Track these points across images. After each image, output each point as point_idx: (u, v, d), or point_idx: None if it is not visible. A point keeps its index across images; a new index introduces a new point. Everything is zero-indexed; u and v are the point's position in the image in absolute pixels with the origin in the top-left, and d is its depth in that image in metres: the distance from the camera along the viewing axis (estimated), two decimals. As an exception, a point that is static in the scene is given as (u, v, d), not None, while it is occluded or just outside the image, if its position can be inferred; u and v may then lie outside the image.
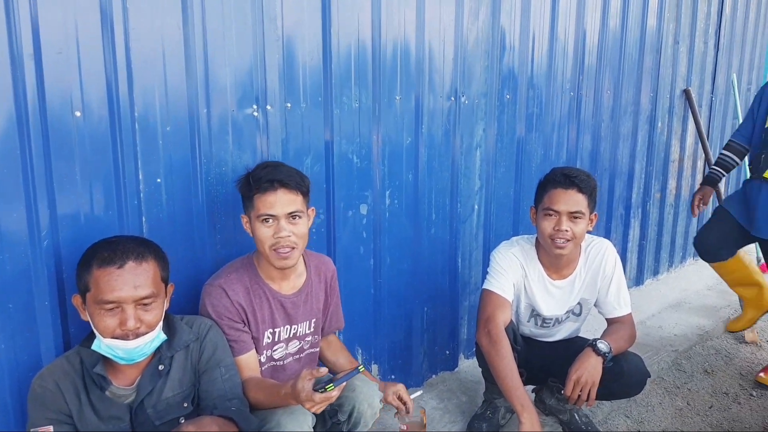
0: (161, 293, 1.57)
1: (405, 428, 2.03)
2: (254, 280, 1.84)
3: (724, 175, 3.29)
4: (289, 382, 1.58)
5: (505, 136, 2.93)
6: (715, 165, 3.28)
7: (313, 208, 1.86)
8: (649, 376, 2.25)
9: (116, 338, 1.50)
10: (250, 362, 1.80)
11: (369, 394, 1.86)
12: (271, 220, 1.74)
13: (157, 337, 1.56)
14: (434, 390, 2.78)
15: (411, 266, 2.64)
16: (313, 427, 1.72)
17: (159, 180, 1.81)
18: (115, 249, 1.51)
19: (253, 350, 1.82)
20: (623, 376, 2.16)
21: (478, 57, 2.70)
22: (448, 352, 2.91)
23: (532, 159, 3.12)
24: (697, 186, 4.44)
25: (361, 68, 2.26)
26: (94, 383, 1.57)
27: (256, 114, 1.98)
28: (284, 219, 1.75)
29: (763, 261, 4.64)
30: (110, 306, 1.49)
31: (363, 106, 2.30)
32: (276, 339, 1.90)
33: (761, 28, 4.97)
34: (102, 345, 1.51)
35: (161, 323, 1.58)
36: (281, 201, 1.74)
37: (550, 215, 2.15)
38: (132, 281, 1.49)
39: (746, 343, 3.53)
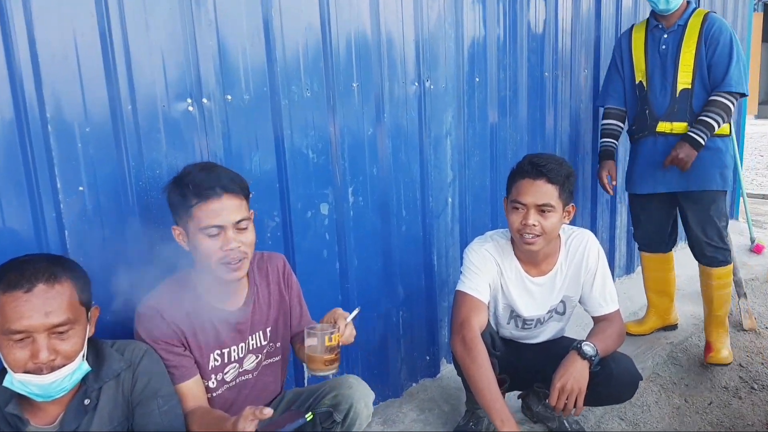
0: (81, 319, 1.37)
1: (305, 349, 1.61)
2: (194, 298, 1.63)
3: (617, 145, 3.13)
4: (231, 419, 1.39)
5: (477, 122, 2.74)
6: (604, 137, 3.11)
7: (252, 210, 1.65)
8: (641, 379, 2.07)
9: (29, 373, 1.30)
10: (193, 390, 1.60)
11: (365, 393, 1.72)
12: (217, 232, 1.54)
13: (78, 368, 1.36)
14: (414, 400, 2.58)
15: (382, 267, 2.44)
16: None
17: (81, 188, 1.60)
18: (22, 270, 1.31)
19: (197, 376, 1.62)
20: (612, 381, 1.97)
21: (441, 37, 2.50)
22: (428, 358, 2.72)
23: (508, 146, 2.92)
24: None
25: (310, 53, 2.06)
26: (9, 424, 1.36)
27: (191, 109, 1.77)
28: (232, 229, 1.55)
29: (757, 241, 4.48)
30: (19, 336, 1.29)
31: (316, 96, 2.09)
32: (227, 360, 1.70)
33: (742, 2, 4.80)
34: (14, 381, 1.31)
35: (83, 352, 1.38)
36: (227, 209, 1.54)
37: (517, 208, 1.96)
38: (42, 307, 1.29)
39: (744, 330, 3.35)
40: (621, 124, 3.09)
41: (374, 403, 2.47)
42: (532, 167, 1.95)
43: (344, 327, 1.57)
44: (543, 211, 1.94)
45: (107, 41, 1.60)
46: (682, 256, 4.32)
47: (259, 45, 1.92)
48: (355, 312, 1.63)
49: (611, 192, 3.16)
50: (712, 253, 2.89)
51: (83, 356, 1.37)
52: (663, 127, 2.84)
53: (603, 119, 3.13)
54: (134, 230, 1.69)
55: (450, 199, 2.69)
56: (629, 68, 2.97)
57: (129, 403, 1.47)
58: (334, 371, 1.56)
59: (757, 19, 14.46)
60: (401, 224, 2.49)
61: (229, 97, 1.85)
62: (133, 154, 1.67)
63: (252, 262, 1.75)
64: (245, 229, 1.59)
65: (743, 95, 2.78)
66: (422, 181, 2.54)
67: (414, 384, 2.68)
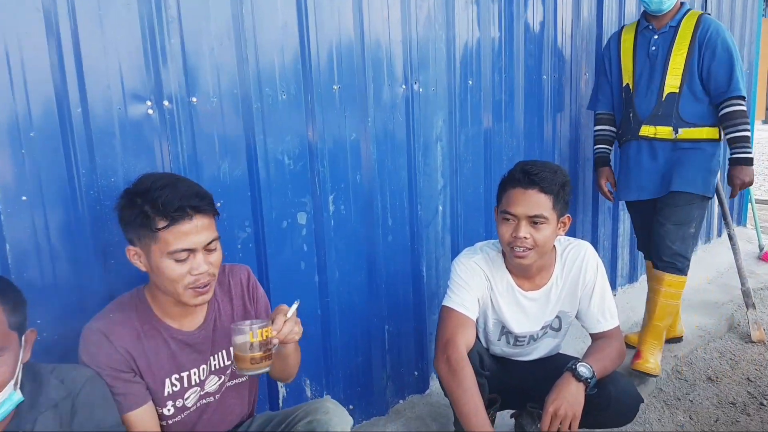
0: (11, 344, 1.23)
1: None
2: (146, 320, 1.49)
3: (611, 150, 3.04)
4: None
5: (470, 127, 2.60)
6: (598, 143, 3.03)
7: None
8: (642, 401, 1.92)
9: (-48, 404, 1.17)
10: (143, 419, 1.46)
11: (343, 419, 1.58)
12: (186, 256, 1.40)
13: (8, 398, 1.23)
14: (401, 418, 2.44)
15: (366, 280, 2.30)
16: None
17: (24, 198, 1.47)
18: None
19: (148, 404, 1.48)
20: (611, 404, 1.82)
21: (431, 38, 2.36)
22: (416, 374, 2.57)
23: (503, 152, 2.78)
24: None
25: (286, 53, 1.93)
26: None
27: (150, 112, 1.64)
28: (202, 251, 1.42)
29: (766, 249, 4.32)
30: (-60, 363, 1.16)
31: (292, 99, 1.96)
32: (186, 384, 1.56)
33: (751, 1, 4.64)
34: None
35: (15, 380, 1.24)
36: (198, 231, 1.40)
37: (508, 219, 1.82)
38: None
39: (753, 342, 3.20)
40: (614, 129, 2.99)
41: (358, 422, 2.38)
42: (524, 175, 1.81)
43: (281, 323, 1.43)
44: (535, 223, 1.79)
45: (55, 38, 1.47)
46: (690, 265, 4.18)
47: (228, 44, 1.79)
48: (294, 305, 1.48)
49: (612, 199, 3.05)
50: (669, 258, 2.75)
51: (15, 384, 1.24)
52: (646, 131, 2.75)
53: (595, 125, 3.04)
54: (84, 244, 1.56)
55: (441, 208, 2.55)
56: (617, 71, 2.87)
57: (69, 435, 1.33)
58: (263, 370, 1.41)
59: (766, 24, 14.30)
60: (387, 234, 2.35)
61: (195, 99, 1.72)
62: (83, 161, 1.54)
63: None
64: (214, 249, 1.46)
65: (745, 98, 2.68)
66: (410, 188, 2.40)
67: (401, 401, 2.53)
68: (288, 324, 1.45)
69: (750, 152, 2.68)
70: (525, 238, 1.78)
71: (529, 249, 1.80)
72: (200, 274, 1.42)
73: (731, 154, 2.71)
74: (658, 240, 2.76)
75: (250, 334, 1.38)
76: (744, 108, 2.64)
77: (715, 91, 2.65)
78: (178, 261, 1.40)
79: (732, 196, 2.81)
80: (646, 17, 2.78)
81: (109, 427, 1.37)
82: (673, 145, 2.73)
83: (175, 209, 1.37)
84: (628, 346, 2.88)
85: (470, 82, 2.55)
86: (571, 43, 3.13)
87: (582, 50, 3.21)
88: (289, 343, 1.51)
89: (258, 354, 1.39)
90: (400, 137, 2.32)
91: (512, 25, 2.76)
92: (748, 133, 2.66)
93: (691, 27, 2.66)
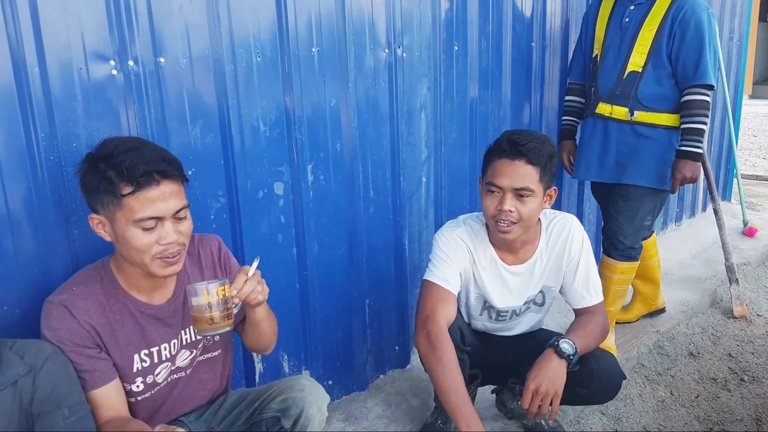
0: None
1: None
2: (112, 293, 1.41)
3: (578, 122, 2.84)
4: None
5: (456, 95, 2.51)
6: (565, 115, 2.87)
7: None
8: (624, 378, 1.88)
9: None
10: (109, 397, 1.39)
11: (319, 396, 1.53)
12: (153, 224, 1.32)
13: None
14: (381, 393, 2.40)
15: (346, 253, 2.23)
16: None
17: (-22, 164, 1.37)
18: None
19: (115, 381, 1.41)
20: (593, 381, 1.79)
21: (416, 0, 2.26)
22: (397, 348, 2.53)
23: (489, 122, 2.70)
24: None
25: (262, 12, 1.82)
26: None
27: (114, 73, 1.54)
28: (170, 220, 1.34)
29: (750, 224, 4.31)
30: None
31: (268, 61, 1.86)
32: (156, 359, 1.49)
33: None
34: None
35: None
36: (167, 198, 1.32)
37: (493, 191, 1.75)
38: None
39: (735, 318, 3.19)
40: (583, 101, 2.80)
41: (337, 397, 2.33)
42: (511, 146, 1.73)
43: (242, 282, 1.37)
44: (521, 196, 1.73)
45: (8, -9, 1.36)
46: (673, 240, 4.17)
47: (198, 1, 1.68)
48: (254, 263, 1.42)
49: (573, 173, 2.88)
50: (623, 251, 2.66)
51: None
52: (602, 108, 2.57)
53: (566, 95, 2.87)
54: (45, 212, 1.47)
55: (424, 179, 2.47)
56: (591, 40, 2.68)
57: (28, 415, 1.26)
58: (222, 330, 1.35)
59: (756, -4, 14.20)
60: (369, 206, 2.27)
61: (162, 60, 1.62)
62: (42, 125, 1.44)
63: None
64: (184, 218, 1.38)
65: (712, 88, 2.46)
66: (393, 158, 2.32)
67: (382, 376, 2.49)
68: (249, 283, 1.38)
69: (700, 147, 2.45)
70: (510, 211, 1.71)
71: (514, 223, 1.73)
72: (169, 243, 1.34)
73: (680, 145, 2.48)
74: (611, 233, 2.66)
75: (205, 294, 1.31)
76: (707, 99, 2.43)
77: (681, 76, 2.45)
78: (145, 230, 1.32)
79: (672, 192, 2.59)
80: None
81: (73, 404, 1.30)
82: (630, 129, 2.53)
83: (140, 174, 1.28)
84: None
85: (456, 48, 2.46)
86: (561, 10, 3.02)
87: (573, 18, 3.11)
88: (255, 306, 1.45)
89: (216, 313, 1.32)
90: (382, 104, 2.23)
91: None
92: (704, 126, 2.44)
93: (666, 2, 2.45)
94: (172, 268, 1.38)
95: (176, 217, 1.35)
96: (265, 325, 1.56)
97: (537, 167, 1.72)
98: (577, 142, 2.83)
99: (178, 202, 1.35)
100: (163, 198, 1.31)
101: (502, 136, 1.79)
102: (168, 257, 1.36)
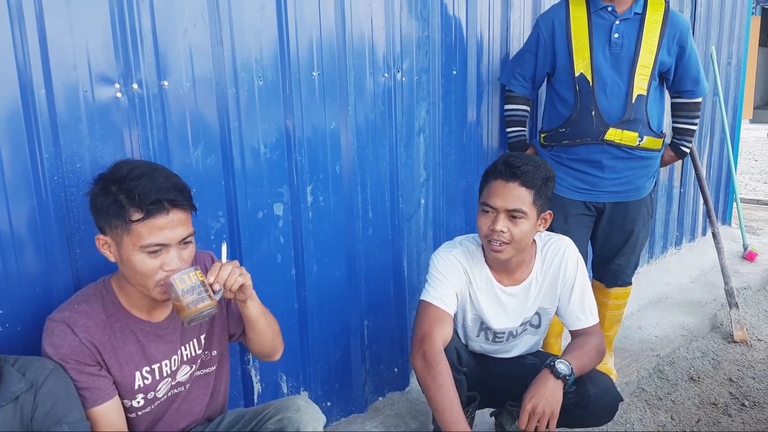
0: None
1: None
2: (113, 311, 1.43)
3: (527, 132, 2.67)
4: None
5: (454, 118, 2.55)
6: (513, 125, 2.61)
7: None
8: (621, 400, 1.88)
9: None
10: (108, 415, 1.40)
11: (315, 417, 1.53)
12: (159, 249, 1.35)
13: None
14: (379, 416, 2.39)
15: (345, 274, 2.25)
16: None
17: (-18, 183, 1.40)
18: None
19: (114, 399, 1.42)
20: (589, 403, 1.79)
21: (415, 26, 2.31)
22: (396, 370, 2.53)
23: (488, 145, 2.73)
24: (676, 165, 4.10)
25: (264, 37, 1.86)
26: None
27: (119, 95, 1.58)
28: (176, 247, 1.37)
29: (750, 248, 4.32)
30: None
31: (269, 85, 1.90)
32: (158, 376, 1.50)
33: (740, 5, 4.62)
34: None
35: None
36: (174, 226, 1.35)
37: (487, 212, 1.78)
38: None
39: (736, 342, 3.19)
40: (528, 110, 2.60)
41: (336, 419, 2.33)
42: (506, 167, 1.77)
43: (217, 268, 1.40)
44: (514, 217, 1.76)
45: (17, 15, 1.40)
46: (674, 264, 4.18)
47: (202, 26, 1.72)
48: (223, 249, 1.46)
49: None
50: (624, 279, 2.65)
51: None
52: (613, 135, 2.37)
53: (507, 104, 2.60)
54: (48, 231, 1.49)
55: (423, 201, 2.50)
56: (565, 54, 2.38)
57: (29, 431, 1.27)
58: (207, 310, 1.35)
59: (755, 22, 14.35)
60: (368, 227, 2.29)
61: (166, 83, 1.66)
62: (47, 146, 1.47)
63: None
64: (189, 244, 1.41)
65: None
66: (392, 180, 2.35)
67: (380, 398, 2.49)
68: (225, 268, 1.40)
69: (689, 148, 2.64)
70: (502, 231, 1.74)
71: (506, 243, 1.76)
72: (172, 270, 1.36)
73: (680, 142, 2.58)
74: (616, 270, 2.62)
75: (178, 282, 1.33)
76: (700, 108, 2.56)
77: (683, 88, 2.47)
78: (150, 254, 1.34)
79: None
80: None
81: (73, 422, 1.31)
82: (629, 154, 2.43)
83: (151, 202, 1.31)
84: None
85: (455, 72, 2.50)
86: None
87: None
88: (242, 296, 1.46)
89: (194, 296, 1.33)
90: (381, 127, 2.26)
91: (508, 14, 2.71)
92: (696, 129, 2.60)
93: (659, 21, 2.34)
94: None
95: (181, 244, 1.38)
96: (262, 325, 1.57)
97: (531, 190, 1.75)
98: (566, 165, 2.52)
99: (184, 231, 1.38)
100: (171, 226, 1.34)
101: (500, 158, 1.83)
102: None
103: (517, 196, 1.74)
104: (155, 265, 1.35)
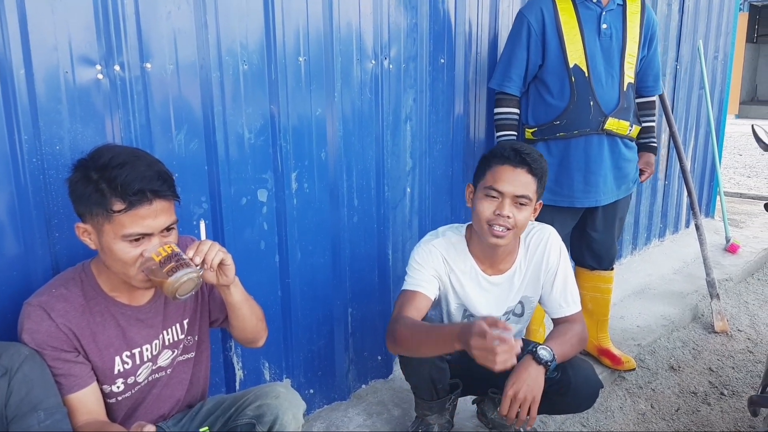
0: None
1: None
2: (92, 295, 1.42)
3: (516, 136, 2.55)
4: None
5: (441, 107, 2.54)
6: (504, 130, 2.49)
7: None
8: (602, 387, 1.90)
9: None
10: (86, 401, 1.39)
11: (294, 403, 1.53)
12: (140, 237, 1.32)
13: None
14: (362, 403, 2.40)
15: (330, 261, 2.24)
16: None
17: (-41, 164, 1.38)
18: None
19: (92, 385, 1.41)
20: (570, 389, 1.80)
21: (403, 13, 2.29)
22: (380, 358, 2.53)
23: (475, 134, 2.73)
24: (661, 158, 4.13)
25: (250, 20, 1.84)
26: None
27: (100, 77, 1.55)
28: (158, 236, 1.34)
29: (732, 241, 4.36)
30: None
31: (255, 69, 1.88)
32: (138, 361, 1.49)
33: (728, 1, 4.64)
34: None
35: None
36: (156, 215, 1.32)
37: (493, 197, 1.77)
38: None
39: (716, 333, 3.22)
40: (519, 112, 2.51)
41: (318, 406, 2.33)
42: (515, 154, 1.77)
43: (196, 244, 1.38)
44: (520, 204, 1.77)
45: (-5, -6, 1.37)
46: (657, 255, 4.21)
47: (187, 8, 1.70)
48: (201, 226, 1.46)
49: None
50: (614, 254, 2.73)
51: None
52: (612, 124, 2.39)
53: (498, 107, 2.50)
54: (26, 214, 1.47)
55: (409, 189, 2.49)
56: (556, 45, 2.35)
57: (3, 418, 1.26)
58: (188, 276, 1.31)
59: (743, 18, 14.44)
60: (353, 214, 2.29)
61: (149, 65, 1.63)
62: (26, 127, 1.44)
63: None
64: (171, 232, 1.39)
65: None
66: (378, 168, 2.34)
67: (363, 386, 2.49)
68: (203, 244, 1.38)
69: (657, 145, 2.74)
70: (508, 217, 1.75)
71: (509, 229, 1.76)
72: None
73: (648, 141, 2.65)
74: (603, 252, 2.66)
75: (153, 255, 1.31)
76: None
77: (647, 83, 2.57)
78: (131, 243, 1.32)
79: (642, 181, 2.68)
80: None
81: (49, 408, 1.30)
82: (621, 142, 2.47)
83: (134, 192, 1.28)
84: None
85: (442, 61, 2.49)
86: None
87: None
88: (224, 277, 1.43)
89: (171, 265, 1.30)
90: (368, 115, 2.25)
91: (496, 3, 2.70)
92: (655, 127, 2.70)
93: (638, 11, 2.41)
94: (151, 283, 1.38)
95: (165, 231, 1.36)
96: (245, 311, 1.56)
97: (536, 178, 1.78)
98: (560, 163, 2.47)
99: (167, 219, 1.35)
100: (153, 215, 1.32)
101: (504, 145, 1.84)
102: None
103: (525, 182, 1.76)
104: (136, 253, 1.33)
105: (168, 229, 1.37)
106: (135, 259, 1.33)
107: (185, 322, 1.58)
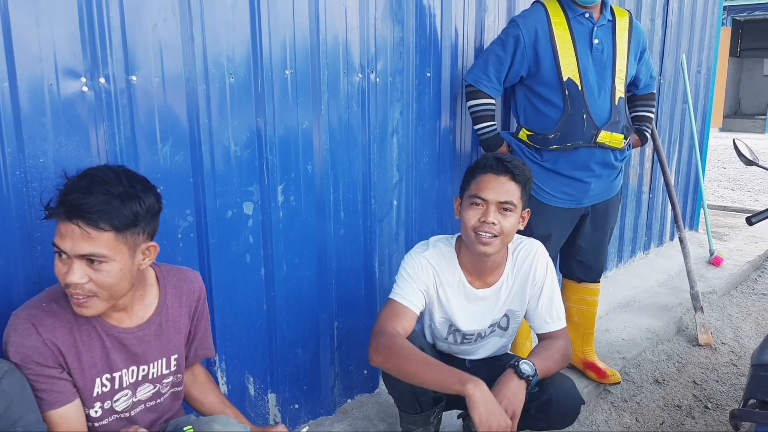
0: None
1: None
2: None
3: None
4: None
5: (427, 120, 2.55)
6: (485, 121, 2.51)
7: (154, 244, 1.38)
8: (583, 403, 1.90)
9: None
10: (67, 418, 1.36)
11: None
12: (64, 256, 1.28)
13: None
14: (348, 418, 2.38)
15: (315, 274, 2.24)
16: None
17: (-59, 176, 1.36)
18: None
19: (75, 402, 1.38)
20: (551, 406, 1.80)
21: (390, 27, 2.31)
22: (366, 372, 2.52)
23: (461, 147, 2.74)
24: (645, 171, 4.17)
25: (236, 33, 1.84)
26: None
27: (85, 89, 1.55)
28: (77, 261, 1.27)
29: (716, 254, 4.40)
30: None
31: (241, 82, 1.88)
32: (117, 386, 1.46)
33: (711, 5, 4.72)
34: None
35: None
36: (73, 237, 1.25)
37: (477, 204, 1.80)
38: None
39: (700, 345, 3.25)
40: (494, 102, 2.52)
41: (303, 421, 2.31)
42: (498, 163, 1.82)
43: None
44: (505, 210, 1.79)
45: (-22, 5, 1.37)
46: (642, 268, 4.24)
47: (173, 21, 1.70)
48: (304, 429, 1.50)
49: None
50: (602, 265, 2.79)
51: None
52: (605, 137, 2.42)
53: (473, 99, 2.49)
54: (9, 228, 1.46)
55: (395, 202, 2.49)
56: (549, 59, 2.38)
57: (-18, 432, 1.24)
58: None
59: (725, 33, 14.69)
60: (339, 227, 2.29)
61: (134, 78, 1.63)
62: (9, 139, 1.43)
63: (167, 277, 1.53)
64: (101, 265, 1.28)
65: None
66: (364, 181, 2.34)
67: (349, 400, 2.48)
68: None
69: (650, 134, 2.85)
70: (493, 223, 1.77)
71: (495, 236, 1.78)
72: (69, 282, 1.28)
73: (645, 128, 2.78)
74: (592, 261, 2.72)
75: None
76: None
77: (640, 83, 2.71)
78: (59, 255, 1.29)
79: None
80: (576, 3, 2.41)
81: (29, 423, 1.28)
82: (614, 155, 2.52)
83: (62, 203, 1.25)
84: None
85: (428, 74, 2.50)
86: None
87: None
88: None
89: None
90: (355, 128, 2.26)
91: (482, 17, 2.72)
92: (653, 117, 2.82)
93: (626, 27, 2.49)
94: (80, 310, 1.32)
95: (88, 260, 1.28)
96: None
97: (519, 185, 1.81)
98: (554, 171, 2.51)
99: (88, 247, 1.26)
100: (69, 235, 1.25)
101: (486, 156, 1.89)
102: (73, 297, 1.30)
103: (508, 189, 1.79)
104: (62, 270, 1.28)
105: (92, 259, 1.27)
106: (61, 276, 1.29)
107: (173, 357, 1.55)
